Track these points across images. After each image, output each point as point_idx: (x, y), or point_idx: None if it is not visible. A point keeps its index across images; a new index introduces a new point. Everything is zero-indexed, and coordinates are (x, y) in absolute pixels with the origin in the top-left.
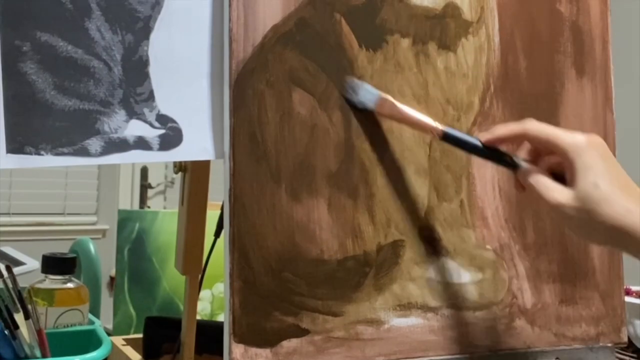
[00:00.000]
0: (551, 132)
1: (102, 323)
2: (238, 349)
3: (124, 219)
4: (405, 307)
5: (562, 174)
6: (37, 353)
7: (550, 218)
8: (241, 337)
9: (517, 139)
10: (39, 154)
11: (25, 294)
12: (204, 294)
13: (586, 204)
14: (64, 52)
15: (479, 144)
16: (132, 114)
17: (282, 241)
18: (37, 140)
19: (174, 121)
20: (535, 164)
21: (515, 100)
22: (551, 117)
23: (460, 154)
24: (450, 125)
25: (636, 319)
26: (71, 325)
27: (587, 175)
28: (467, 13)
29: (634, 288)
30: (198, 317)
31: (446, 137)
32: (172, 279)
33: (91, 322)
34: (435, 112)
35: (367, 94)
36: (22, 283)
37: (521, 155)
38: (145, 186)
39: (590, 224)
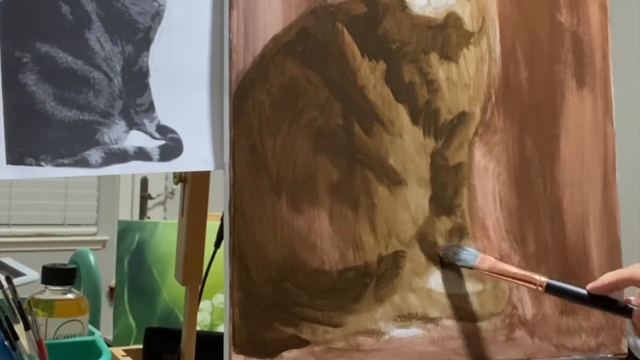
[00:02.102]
0: None
1: (102, 334)
2: None
3: (124, 230)
4: (406, 317)
5: None
6: None
7: (551, 230)
8: (241, 347)
9: (624, 284)
10: (39, 164)
11: (25, 305)
12: (204, 304)
13: None
14: (64, 63)
15: (585, 293)
16: (132, 124)
17: (282, 252)
18: (37, 151)
19: (174, 132)
20: None
21: (517, 110)
22: (552, 127)
23: (462, 164)
24: (450, 134)
25: None
26: (71, 336)
27: None
28: (469, 23)
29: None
30: (198, 328)
31: (550, 289)
32: (172, 290)
33: (91, 333)
34: (436, 122)
35: (469, 255)
36: (22, 294)
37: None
38: (145, 197)
39: None
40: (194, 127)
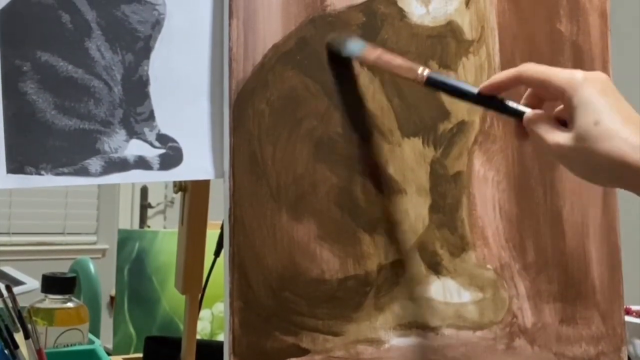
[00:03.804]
0: (546, 71)
1: (102, 343)
2: None
3: (124, 239)
4: (406, 326)
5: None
6: None
7: (551, 238)
8: (241, 356)
9: (514, 83)
10: (39, 173)
11: (25, 314)
12: (204, 313)
13: (586, 142)
14: (64, 72)
15: (472, 90)
16: (132, 133)
17: (282, 261)
18: (38, 160)
19: (174, 141)
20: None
21: None
22: None
23: (462, 173)
24: (450, 143)
25: (636, 339)
26: (71, 345)
27: (585, 113)
28: (468, 32)
29: (634, 307)
30: (198, 337)
31: (430, 82)
32: (172, 299)
33: (91, 342)
34: (435, 131)
35: (355, 45)
36: (22, 303)
37: (523, 102)
38: (145, 206)
39: (592, 163)
40: (194, 136)
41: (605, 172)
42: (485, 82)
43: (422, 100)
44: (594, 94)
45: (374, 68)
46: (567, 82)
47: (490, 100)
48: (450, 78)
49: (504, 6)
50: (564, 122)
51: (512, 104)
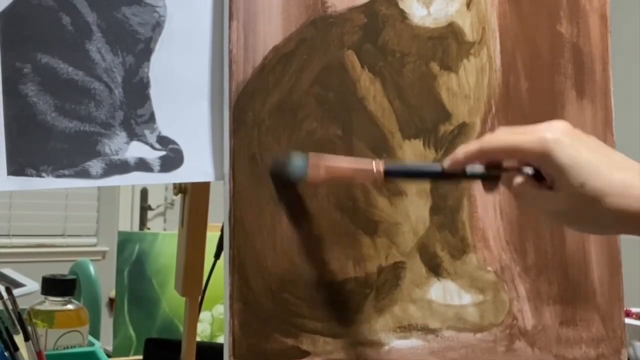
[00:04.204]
0: (508, 141)
1: (102, 345)
2: None
3: (124, 241)
4: (406, 328)
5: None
6: None
7: (551, 240)
8: (241, 358)
9: (479, 158)
10: (40, 175)
11: (25, 316)
12: (204, 315)
13: (582, 206)
14: (65, 74)
15: (435, 169)
16: (132, 135)
17: (282, 263)
18: (38, 162)
19: (174, 143)
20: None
21: (517, 122)
22: None
23: None
24: (451, 145)
25: (636, 341)
26: (71, 347)
27: (568, 177)
28: (469, 34)
29: (634, 310)
30: (198, 339)
31: (390, 174)
32: (172, 301)
33: (91, 344)
34: (436, 133)
35: (295, 165)
36: (22, 305)
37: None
38: (145, 208)
39: (598, 222)
40: (195, 138)
41: (614, 226)
42: (448, 159)
43: (423, 101)
44: (567, 152)
45: (329, 183)
46: (538, 146)
47: (454, 173)
48: (405, 163)
49: (504, 8)
50: (540, 177)
51: (476, 168)
